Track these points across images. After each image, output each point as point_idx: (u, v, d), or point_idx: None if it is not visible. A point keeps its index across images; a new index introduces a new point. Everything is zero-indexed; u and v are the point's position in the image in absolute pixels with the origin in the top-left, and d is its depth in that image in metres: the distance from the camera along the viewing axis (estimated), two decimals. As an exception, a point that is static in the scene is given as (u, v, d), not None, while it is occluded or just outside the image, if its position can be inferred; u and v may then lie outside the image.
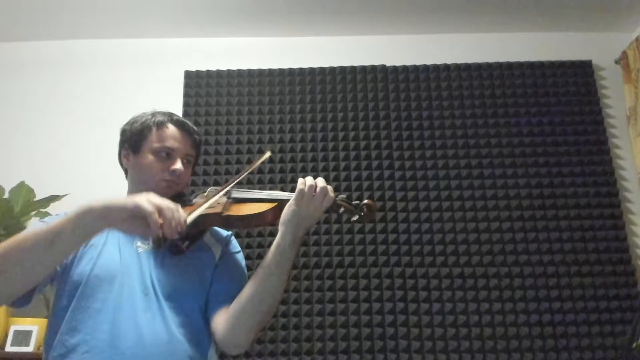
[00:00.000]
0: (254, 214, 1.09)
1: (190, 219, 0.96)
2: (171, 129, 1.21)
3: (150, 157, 1.18)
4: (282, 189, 2.23)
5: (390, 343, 2.15)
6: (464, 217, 2.33)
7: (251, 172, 2.34)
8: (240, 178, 1.20)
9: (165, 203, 0.91)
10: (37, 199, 2.23)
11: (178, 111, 2.50)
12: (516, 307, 2.20)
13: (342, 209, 1.11)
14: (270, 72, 2.58)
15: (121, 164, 1.27)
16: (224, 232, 1.28)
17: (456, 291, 2.23)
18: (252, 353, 2.14)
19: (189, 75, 2.58)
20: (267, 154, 1.35)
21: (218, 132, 2.48)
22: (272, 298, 1.08)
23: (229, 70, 2.58)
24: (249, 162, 2.42)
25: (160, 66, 2.62)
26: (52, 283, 1.10)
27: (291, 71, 2.58)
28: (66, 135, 2.51)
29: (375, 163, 2.42)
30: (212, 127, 2.48)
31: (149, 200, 0.89)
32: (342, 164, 2.42)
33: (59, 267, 1.08)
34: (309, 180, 1.07)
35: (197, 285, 1.14)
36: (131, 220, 0.89)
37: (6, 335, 2.00)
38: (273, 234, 2.30)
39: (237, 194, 1.18)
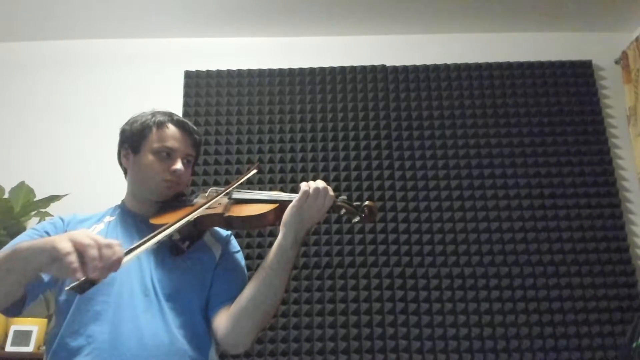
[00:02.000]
0: (256, 215, 1.09)
1: (134, 254, 0.87)
2: (171, 129, 1.21)
3: (150, 157, 1.18)
4: (282, 189, 2.23)
5: (390, 343, 2.15)
6: (464, 217, 2.33)
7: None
8: (231, 188, 1.20)
9: (90, 240, 0.77)
10: (37, 199, 2.23)
11: (178, 111, 2.49)
12: (516, 307, 2.20)
13: (343, 211, 1.11)
14: (270, 72, 2.58)
15: (120, 164, 1.26)
16: (224, 232, 1.27)
17: (456, 291, 2.23)
18: (252, 353, 2.14)
19: (189, 75, 2.58)
20: (254, 171, 1.33)
21: (218, 132, 2.47)
22: (273, 298, 1.08)
23: (229, 70, 2.58)
24: (249, 162, 2.42)
25: (160, 66, 2.62)
26: (51, 289, 1.10)
27: (291, 71, 2.58)
28: (66, 135, 2.51)
29: (375, 163, 2.42)
30: (212, 127, 2.48)
31: (71, 239, 0.77)
32: (342, 164, 2.42)
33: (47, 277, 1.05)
34: (312, 183, 1.08)
35: (198, 285, 1.14)
36: (54, 264, 0.78)
37: (6, 335, 1.99)
38: (273, 234, 2.30)
39: (238, 195, 1.18)
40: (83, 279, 0.75)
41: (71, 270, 0.75)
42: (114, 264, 0.79)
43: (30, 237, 1.08)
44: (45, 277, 1.06)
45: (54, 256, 0.77)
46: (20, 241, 0.93)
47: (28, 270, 0.86)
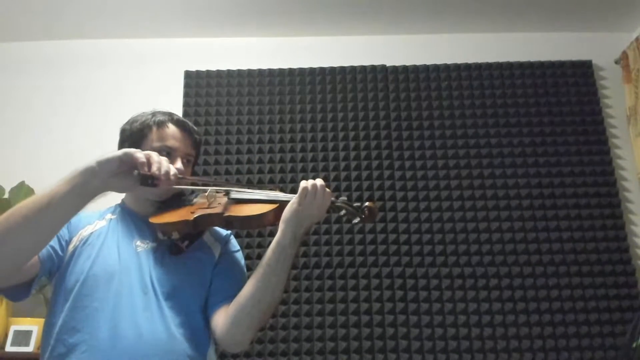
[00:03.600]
0: (255, 215, 1.09)
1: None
2: (172, 128, 1.21)
3: None
4: (282, 189, 2.22)
5: (390, 343, 2.15)
6: (464, 217, 2.33)
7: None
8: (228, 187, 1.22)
9: (158, 157, 0.98)
10: (37, 199, 2.22)
11: (178, 111, 2.50)
12: (516, 307, 2.20)
13: (343, 211, 1.11)
14: (270, 72, 2.58)
15: None
16: (223, 232, 1.28)
17: (456, 291, 2.23)
18: (252, 353, 2.14)
19: (189, 75, 2.58)
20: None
21: (218, 132, 2.48)
22: (272, 296, 1.08)
23: (229, 70, 2.58)
24: (249, 162, 2.42)
25: (160, 66, 2.62)
26: (49, 278, 1.10)
27: (291, 71, 2.58)
28: (66, 135, 2.51)
29: (375, 163, 2.42)
30: (212, 127, 2.48)
31: (137, 150, 0.96)
32: (342, 164, 2.42)
33: (55, 256, 1.08)
34: (311, 181, 1.09)
35: (197, 284, 1.14)
36: (121, 174, 0.94)
37: (6, 335, 2.00)
38: (273, 234, 2.27)
39: (237, 195, 1.18)
40: (147, 175, 0.93)
41: (142, 164, 0.93)
42: (175, 173, 1.00)
43: None
44: (47, 264, 1.07)
45: (125, 160, 0.94)
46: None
47: (91, 187, 0.96)
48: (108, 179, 0.96)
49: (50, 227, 0.97)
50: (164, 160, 0.99)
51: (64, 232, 1.12)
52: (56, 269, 1.09)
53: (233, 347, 1.14)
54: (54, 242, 1.08)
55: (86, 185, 0.96)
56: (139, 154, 0.95)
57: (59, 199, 0.94)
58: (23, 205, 0.94)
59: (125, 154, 0.94)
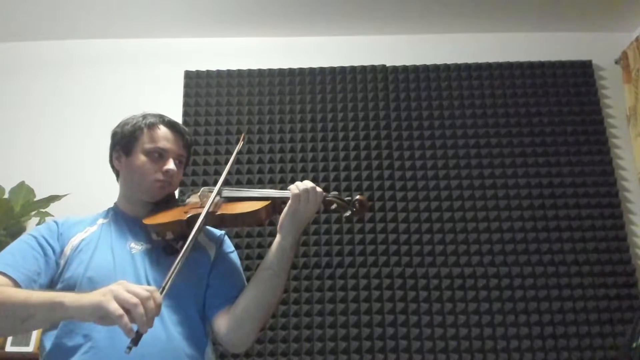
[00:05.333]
0: (248, 212, 1.11)
1: (166, 290, 0.92)
2: (163, 129, 1.22)
3: (142, 158, 1.19)
4: (283, 189, 2.23)
5: (390, 343, 2.15)
6: (464, 217, 2.33)
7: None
8: (228, 169, 1.22)
9: (135, 297, 0.83)
10: (37, 199, 2.23)
11: (178, 111, 2.50)
12: (516, 307, 2.20)
13: (334, 205, 1.14)
14: (270, 72, 2.58)
15: (112, 167, 1.27)
16: (217, 232, 1.29)
17: (456, 291, 2.23)
18: (252, 353, 2.14)
19: (189, 75, 2.58)
20: (241, 142, 1.38)
21: (218, 132, 2.47)
22: (274, 297, 1.11)
23: (229, 70, 2.58)
24: (249, 162, 2.42)
25: (160, 66, 2.62)
26: (52, 289, 1.10)
27: (291, 71, 2.58)
28: (66, 135, 2.51)
29: (375, 163, 2.42)
30: (212, 127, 2.48)
31: (117, 298, 0.83)
32: (342, 164, 2.42)
33: (44, 275, 1.08)
34: (299, 184, 1.11)
35: (194, 284, 1.15)
36: (103, 321, 0.85)
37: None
38: (273, 234, 2.28)
39: (229, 193, 1.19)
40: (135, 334, 0.82)
41: (127, 330, 0.81)
42: (157, 312, 0.85)
43: (28, 244, 1.10)
44: (43, 279, 1.06)
45: (103, 316, 0.83)
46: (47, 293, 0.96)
47: (66, 319, 0.93)
48: (88, 321, 0.90)
49: (21, 332, 0.99)
50: (146, 303, 0.84)
51: (54, 245, 1.12)
52: (57, 280, 1.09)
53: (237, 348, 1.16)
54: (40, 268, 1.07)
55: (63, 320, 0.95)
56: (122, 319, 0.81)
57: (35, 322, 0.92)
58: (2, 301, 0.92)
59: (105, 312, 0.83)
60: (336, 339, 2.16)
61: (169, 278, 0.94)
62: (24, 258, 1.06)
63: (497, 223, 2.32)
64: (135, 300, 0.83)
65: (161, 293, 0.89)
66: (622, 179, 2.42)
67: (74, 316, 0.88)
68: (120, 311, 0.82)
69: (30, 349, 1.95)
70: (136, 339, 0.83)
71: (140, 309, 0.82)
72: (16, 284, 1.01)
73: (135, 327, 0.82)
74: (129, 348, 0.82)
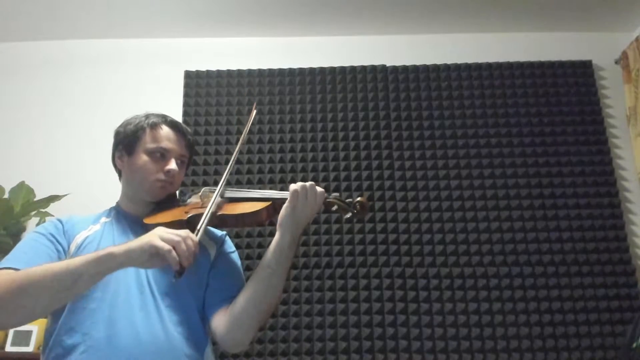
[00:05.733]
0: (248, 213, 1.11)
1: (200, 234, 1.01)
2: (165, 129, 1.22)
3: (144, 158, 1.19)
4: (282, 189, 2.23)
5: (390, 343, 2.15)
6: (464, 217, 2.33)
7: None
8: (238, 148, 1.27)
9: (177, 236, 0.94)
10: (37, 199, 2.23)
11: (178, 111, 2.50)
12: (516, 307, 2.20)
13: (335, 207, 1.13)
14: (270, 72, 2.58)
15: (115, 166, 1.27)
16: (218, 232, 1.29)
17: (456, 291, 2.23)
18: (252, 353, 2.14)
19: (189, 75, 2.58)
20: (254, 112, 1.41)
21: (218, 132, 2.48)
22: (273, 297, 1.11)
23: (229, 70, 2.58)
24: (249, 162, 2.42)
25: (160, 66, 2.62)
26: None
27: (291, 71, 2.58)
28: (66, 135, 2.51)
29: (375, 163, 2.42)
30: (212, 127, 2.48)
31: (162, 238, 0.93)
32: (342, 164, 2.42)
33: None
34: (300, 183, 1.11)
35: (194, 283, 1.15)
36: (151, 260, 0.93)
37: (6, 335, 1.99)
38: (273, 234, 2.29)
39: (230, 193, 1.19)
40: (180, 267, 0.92)
41: (175, 263, 0.91)
42: (196, 249, 0.96)
43: (37, 241, 1.10)
44: None
45: (153, 253, 0.92)
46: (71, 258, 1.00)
47: (114, 270, 0.96)
48: (137, 265, 0.97)
49: (65, 301, 1.02)
50: (187, 241, 0.95)
51: (62, 241, 1.12)
52: None
53: (234, 348, 1.16)
54: (52, 262, 1.07)
55: (113, 270, 0.96)
56: (170, 253, 0.91)
57: (84, 282, 0.94)
58: (40, 278, 0.93)
59: (154, 249, 0.92)
60: (336, 339, 2.16)
61: (202, 223, 1.03)
62: (38, 255, 1.06)
63: (497, 223, 2.32)
64: (178, 238, 0.93)
65: (196, 235, 0.98)
66: (622, 179, 2.42)
67: (123, 262, 0.94)
68: (168, 246, 0.91)
69: (30, 349, 1.95)
70: (180, 272, 0.92)
71: (183, 245, 0.93)
72: None
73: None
74: (175, 279, 0.93)
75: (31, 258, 1.04)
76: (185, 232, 0.95)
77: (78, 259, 0.95)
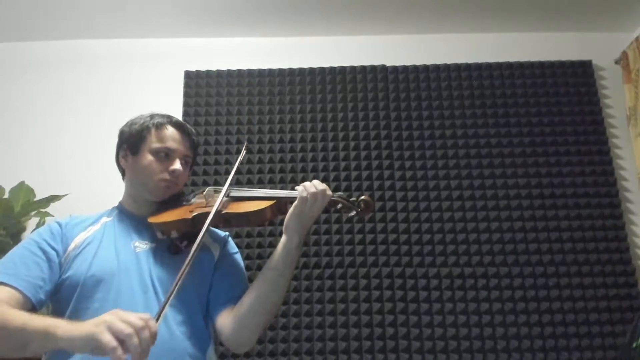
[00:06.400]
0: (253, 212, 1.11)
1: (161, 317, 0.90)
2: (170, 130, 1.23)
3: (149, 158, 1.19)
4: (283, 189, 2.23)
5: (390, 343, 2.15)
6: (464, 217, 2.33)
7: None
8: (235, 170, 1.24)
9: (129, 327, 0.81)
10: (37, 199, 2.23)
11: (178, 111, 2.50)
12: (516, 307, 2.20)
13: (339, 205, 1.14)
14: (270, 72, 2.58)
15: (118, 165, 1.27)
16: (221, 233, 1.29)
17: (456, 291, 2.23)
18: (252, 353, 2.14)
19: (189, 75, 2.58)
20: (243, 152, 1.41)
21: (218, 132, 2.48)
22: (278, 297, 1.12)
23: (229, 70, 2.58)
24: (249, 162, 2.42)
25: (160, 66, 2.62)
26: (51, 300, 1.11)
27: (291, 71, 2.58)
28: (66, 135, 2.51)
29: (375, 163, 2.42)
30: (212, 127, 2.48)
31: (110, 328, 0.81)
32: (342, 164, 2.42)
33: (49, 281, 1.08)
34: (308, 185, 1.10)
35: (197, 283, 1.15)
36: (95, 352, 0.83)
37: (6, 335, 1.99)
38: (273, 234, 2.30)
39: (235, 193, 1.19)
40: None
41: (111, 352, 0.79)
42: (152, 342, 0.83)
43: (30, 250, 1.09)
44: (49, 284, 1.07)
45: (96, 347, 0.81)
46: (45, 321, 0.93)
47: (60, 348, 0.89)
48: (81, 352, 0.89)
49: (29, 354, 0.96)
50: (141, 333, 0.82)
51: (57, 247, 1.12)
52: (60, 280, 1.10)
53: (240, 348, 1.16)
54: (44, 274, 1.07)
55: (57, 349, 0.91)
56: (115, 352, 0.79)
57: (32, 348, 0.90)
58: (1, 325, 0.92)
59: (98, 342, 0.80)
60: (336, 339, 2.16)
61: (166, 301, 0.92)
62: (26, 265, 1.06)
63: (497, 223, 2.32)
64: (129, 330, 0.80)
65: (156, 320, 0.86)
66: (622, 179, 2.42)
67: (66, 347, 0.86)
68: (114, 343, 0.79)
69: (30, 349, 1.95)
70: None
71: (135, 340, 0.80)
72: (21, 294, 1.01)
73: (129, 358, 0.80)
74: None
75: (19, 269, 1.04)
76: (142, 321, 0.82)
77: (37, 321, 0.90)
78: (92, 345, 0.82)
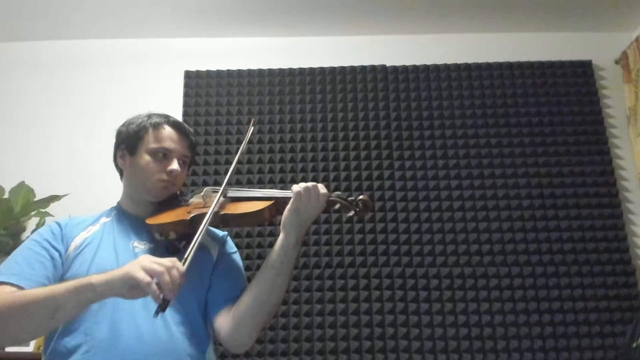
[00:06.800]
0: (251, 212, 1.11)
1: (187, 263, 0.94)
2: (168, 130, 1.22)
3: (147, 158, 1.19)
4: (283, 189, 2.23)
5: (390, 343, 2.15)
6: (464, 217, 2.33)
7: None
8: (237, 159, 1.24)
9: (160, 266, 0.88)
10: (37, 199, 2.23)
11: (178, 111, 2.50)
12: (516, 307, 2.20)
13: (338, 205, 1.14)
14: (270, 72, 2.58)
15: (116, 165, 1.27)
16: (220, 232, 1.29)
17: (456, 291, 2.23)
18: (252, 353, 2.14)
19: (189, 75, 2.58)
20: (252, 127, 1.41)
21: (218, 132, 2.48)
22: (277, 297, 1.11)
23: (229, 70, 2.58)
24: (249, 162, 2.42)
25: (160, 66, 2.62)
26: None
27: (291, 71, 2.58)
28: (66, 135, 2.51)
29: (375, 163, 2.42)
30: (212, 127, 2.48)
31: (143, 268, 0.88)
32: (342, 164, 2.42)
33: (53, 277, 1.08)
34: (302, 183, 1.10)
35: (196, 283, 1.15)
36: (132, 291, 0.89)
37: (6, 335, 1.99)
38: (273, 234, 2.30)
39: (233, 193, 1.19)
40: (162, 301, 0.86)
41: (155, 296, 0.86)
42: (182, 280, 0.89)
43: (32, 250, 1.09)
44: (53, 283, 1.07)
45: (133, 285, 0.87)
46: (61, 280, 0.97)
47: (98, 300, 0.93)
48: (117, 296, 0.92)
49: (48, 329, 1.01)
50: (171, 271, 0.88)
51: (58, 247, 1.12)
52: (61, 280, 1.09)
53: (238, 347, 1.16)
54: (48, 272, 1.07)
55: (93, 300, 0.94)
56: (150, 286, 0.86)
57: (65, 311, 0.92)
58: (23, 305, 0.93)
59: (134, 280, 0.87)
60: (336, 339, 2.16)
61: (191, 250, 0.96)
62: (30, 265, 1.06)
63: (497, 223, 2.32)
64: (161, 268, 0.87)
65: (183, 264, 0.92)
66: (622, 179, 2.42)
67: (104, 293, 0.90)
68: (148, 278, 0.86)
69: (30, 349, 1.95)
70: (163, 305, 0.86)
71: (167, 277, 0.87)
72: None
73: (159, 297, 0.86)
74: (157, 313, 0.86)
75: (24, 269, 1.04)
76: (171, 262, 0.89)
77: (62, 286, 0.92)
78: (130, 283, 0.87)
